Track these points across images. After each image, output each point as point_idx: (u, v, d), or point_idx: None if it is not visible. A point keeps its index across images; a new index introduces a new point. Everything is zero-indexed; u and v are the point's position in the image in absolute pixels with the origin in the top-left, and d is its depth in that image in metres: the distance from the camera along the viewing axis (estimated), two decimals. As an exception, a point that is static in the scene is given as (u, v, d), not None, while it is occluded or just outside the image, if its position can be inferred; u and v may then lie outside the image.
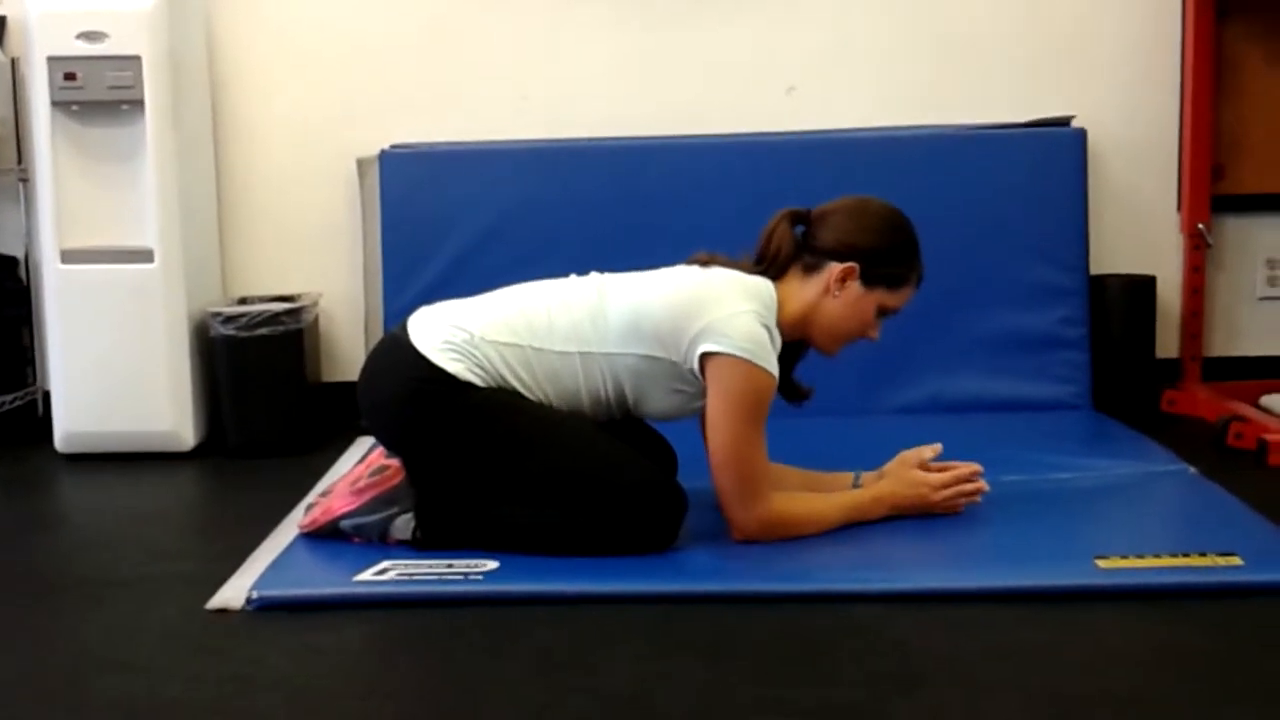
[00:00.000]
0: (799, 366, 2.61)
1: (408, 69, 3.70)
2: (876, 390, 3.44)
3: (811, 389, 2.61)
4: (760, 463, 2.41)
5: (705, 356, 2.36)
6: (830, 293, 2.46)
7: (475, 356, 2.41)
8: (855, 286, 2.46)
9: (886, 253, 2.48)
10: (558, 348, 2.43)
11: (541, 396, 2.44)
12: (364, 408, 2.56)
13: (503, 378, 2.42)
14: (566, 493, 2.39)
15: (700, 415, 2.44)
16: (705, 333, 2.36)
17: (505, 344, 2.42)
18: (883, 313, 2.51)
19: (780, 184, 3.47)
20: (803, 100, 3.68)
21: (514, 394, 2.42)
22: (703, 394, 2.41)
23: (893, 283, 2.48)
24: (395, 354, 2.47)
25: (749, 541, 2.41)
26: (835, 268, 2.46)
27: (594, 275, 2.55)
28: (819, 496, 2.53)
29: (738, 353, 2.34)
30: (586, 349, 2.43)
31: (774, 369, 2.37)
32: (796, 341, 2.54)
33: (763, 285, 2.45)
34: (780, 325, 2.44)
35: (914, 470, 2.55)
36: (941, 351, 3.50)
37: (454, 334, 2.43)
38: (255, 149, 3.73)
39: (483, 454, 2.41)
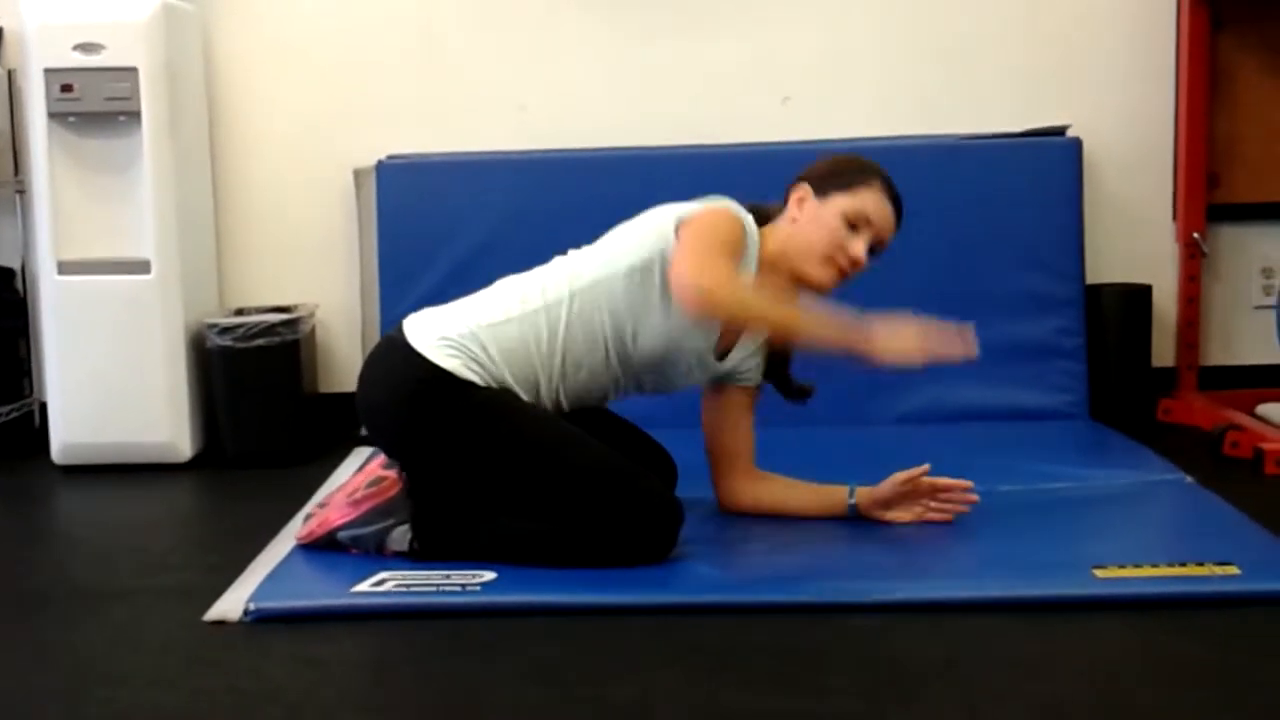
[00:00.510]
0: (795, 367, 2.62)
1: (404, 80, 3.70)
2: (873, 400, 3.44)
3: (813, 386, 2.62)
4: (724, 251, 2.39)
5: (680, 227, 2.42)
6: (795, 221, 2.52)
7: (471, 349, 2.41)
8: (811, 201, 2.51)
9: (830, 165, 2.56)
10: (550, 298, 2.45)
11: (545, 373, 2.44)
12: (362, 411, 2.56)
13: (500, 367, 2.42)
14: (563, 503, 2.39)
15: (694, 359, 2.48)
16: (681, 215, 2.44)
17: (499, 323, 2.44)
18: (854, 225, 2.48)
19: (777, 194, 3.47)
20: (799, 110, 3.69)
21: (514, 397, 2.42)
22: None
23: (844, 186, 2.51)
24: (391, 355, 2.47)
25: (692, 305, 2.33)
26: (792, 196, 2.54)
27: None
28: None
29: (708, 208, 2.44)
30: (577, 286, 2.46)
31: (748, 222, 2.45)
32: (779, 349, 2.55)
33: (746, 214, 2.53)
34: (763, 262, 2.50)
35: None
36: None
37: (449, 328, 2.44)
38: (252, 160, 3.73)
39: (480, 460, 2.40)
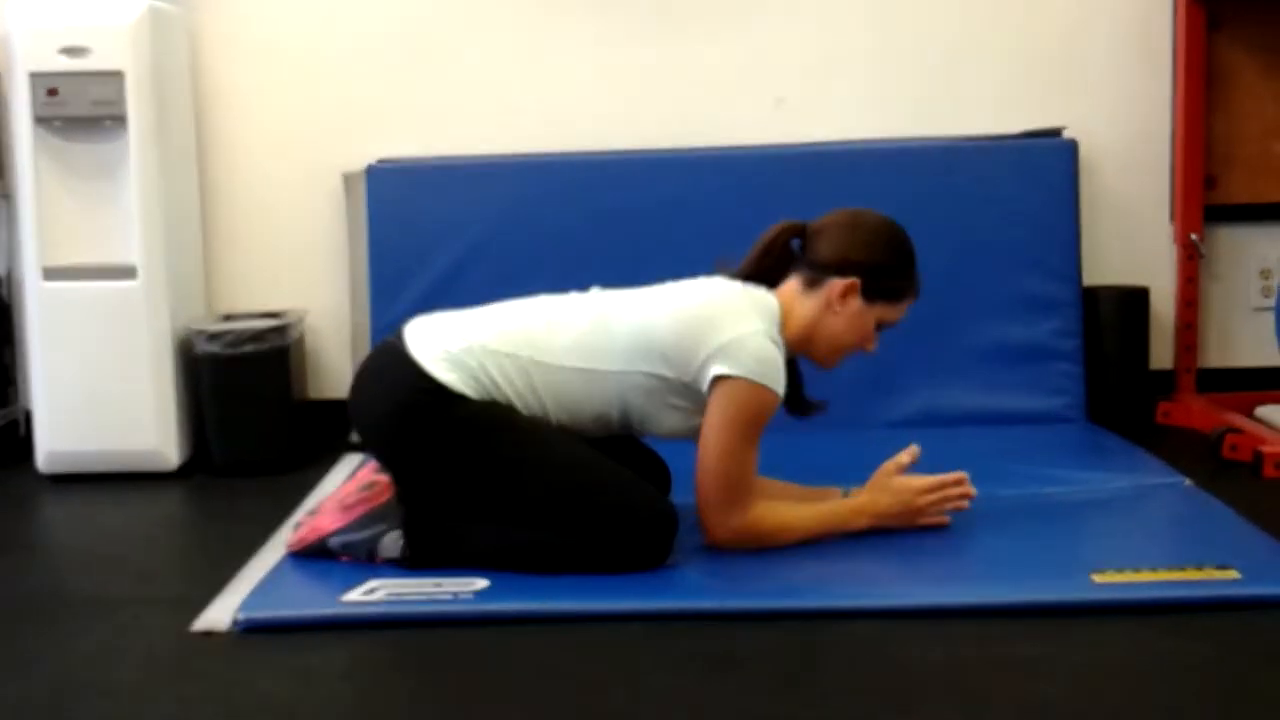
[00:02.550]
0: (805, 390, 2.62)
1: (394, 84, 3.68)
2: (869, 404, 3.42)
3: (824, 402, 2.62)
4: (748, 476, 2.40)
5: (716, 379, 2.36)
6: (832, 309, 2.47)
7: (471, 367, 2.39)
8: (856, 301, 2.47)
9: (887, 268, 2.49)
10: (560, 362, 2.41)
11: (539, 410, 2.42)
12: (355, 418, 2.54)
13: (499, 389, 2.40)
14: (557, 511, 2.37)
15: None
16: (717, 355, 2.36)
17: (505, 354, 2.41)
18: (880, 326, 2.52)
19: (770, 197, 3.47)
20: (792, 113, 3.67)
21: (507, 408, 2.40)
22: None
23: (893, 296, 2.50)
24: (389, 363, 2.46)
25: (719, 547, 2.41)
26: (837, 284, 2.46)
27: (595, 291, 2.54)
28: (798, 506, 2.52)
29: (750, 375, 2.35)
30: (592, 366, 2.42)
31: (781, 389, 2.38)
32: (792, 357, 2.54)
33: (769, 300, 2.47)
34: (783, 339, 2.45)
35: (895, 478, 2.53)
36: (934, 364, 3.49)
37: (452, 343, 2.42)
38: (240, 164, 3.71)
39: (473, 469, 2.39)
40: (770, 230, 2.54)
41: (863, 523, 2.50)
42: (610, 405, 2.44)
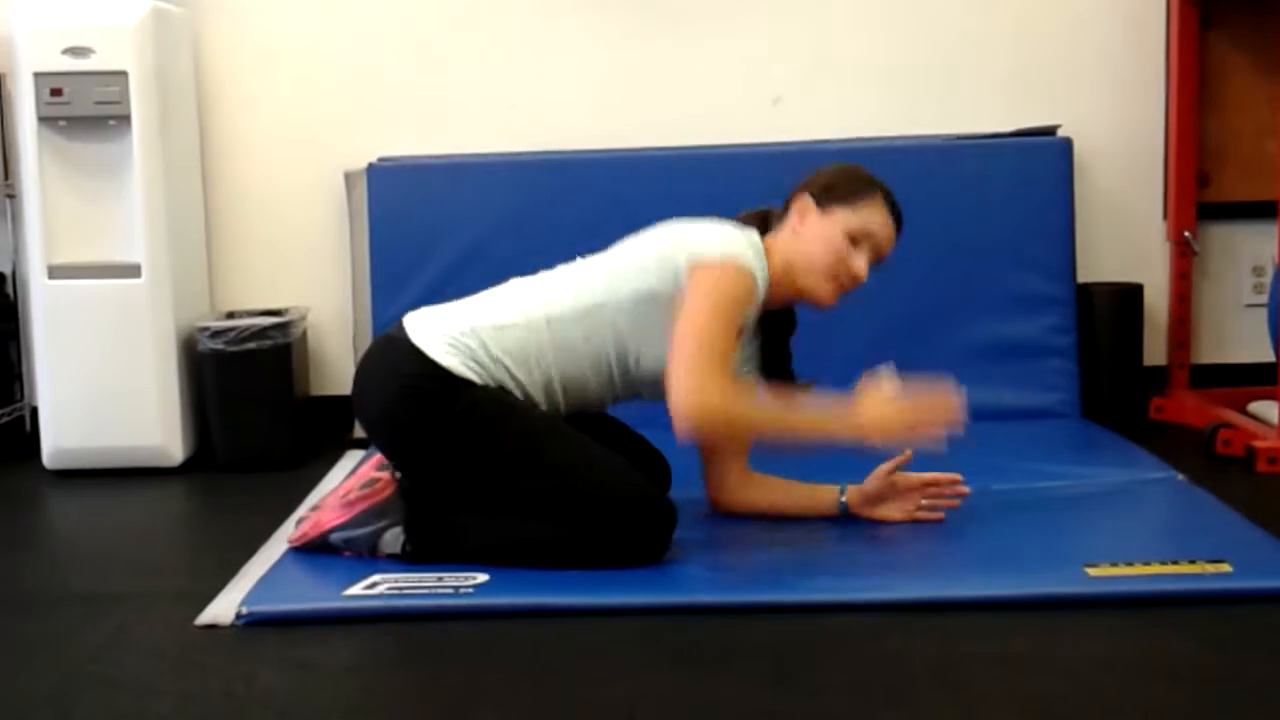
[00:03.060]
0: (794, 367, 2.63)
1: (395, 83, 3.70)
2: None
3: (813, 382, 2.61)
4: (724, 352, 2.37)
5: (693, 270, 2.40)
6: (796, 233, 2.51)
7: (472, 348, 2.41)
8: (813, 214, 2.51)
9: (833, 177, 2.55)
10: (553, 310, 2.46)
11: (541, 377, 2.45)
12: (358, 407, 2.56)
13: (501, 366, 2.42)
14: (556, 503, 2.38)
15: None
16: (695, 252, 2.42)
17: (502, 326, 2.44)
18: (856, 240, 2.49)
19: (767, 195, 3.44)
20: (789, 112, 3.68)
21: (510, 397, 2.42)
22: None
23: (846, 199, 2.50)
24: (390, 351, 2.48)
25: (686, 422, 2.32)
26: (793, 208, 2.53)
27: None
28: (780, 403, 2.50)
29: (722, 256, 2.40)
30: (583, 303, 2.46)
31: (758, 276, 2.42)
32: (784, 317, 2.58)
33: (751, 232, 2.53)
34: (770, 281, 2.48)
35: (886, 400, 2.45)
36: (929, 361, 3.43)
37: (450, 326, 2.45)
38: (243, 163, 3.72)
39: (474, 458, 2.40)
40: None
41: (846, 431, 2.39)
42: (605, 341, 2.45)
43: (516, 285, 2.55)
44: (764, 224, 2.58)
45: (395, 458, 2.50)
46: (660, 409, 2.65)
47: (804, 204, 2.52)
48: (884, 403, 2.40)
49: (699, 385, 2.32)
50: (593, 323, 2.45)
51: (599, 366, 2.48)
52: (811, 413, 2.45)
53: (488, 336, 2.43)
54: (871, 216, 2.50)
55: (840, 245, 2.49)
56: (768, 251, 2.51)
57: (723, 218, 2.56)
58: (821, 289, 2.51)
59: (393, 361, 2.46)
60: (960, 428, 2.43)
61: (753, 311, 2.49)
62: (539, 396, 2.47)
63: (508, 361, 2.43)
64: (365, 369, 2.54)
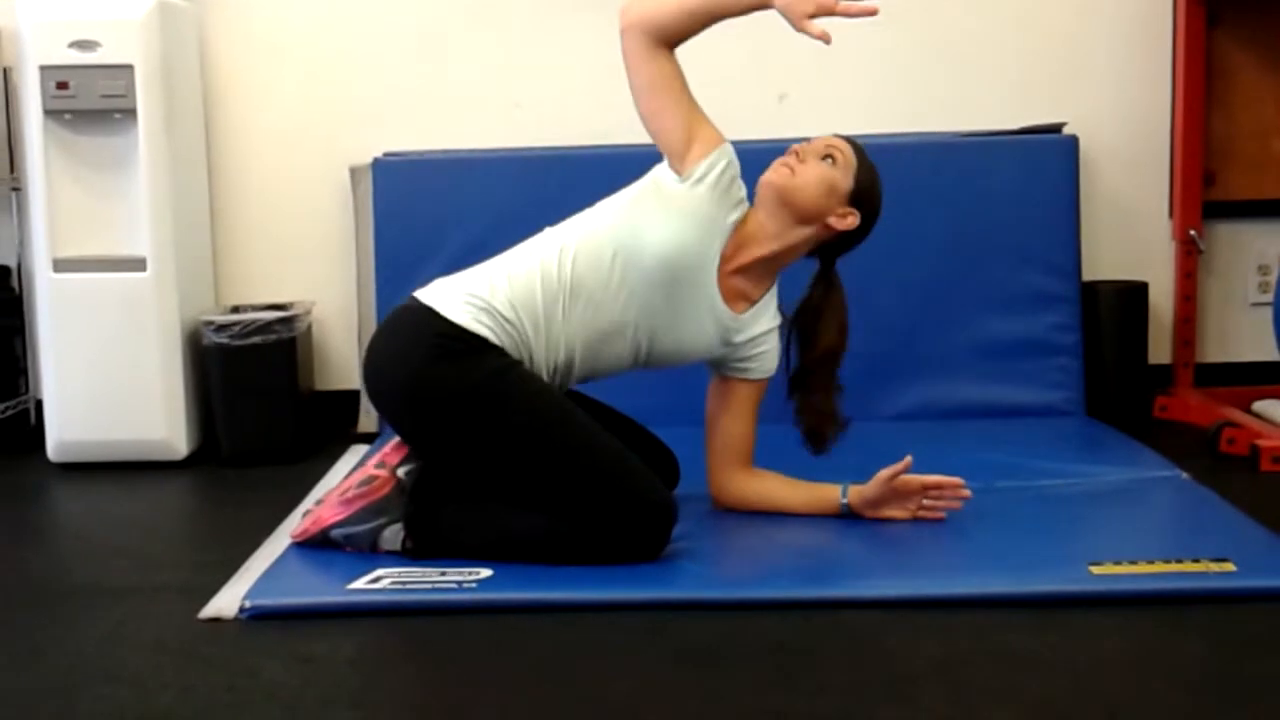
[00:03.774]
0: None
1: (400, 77, 3.70)
2: (869, 397, 3.42)
3: (847, 420, 2.66)
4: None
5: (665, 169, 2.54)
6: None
7: (481, 297, 2.44)
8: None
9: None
10: (559, 239, 2.53)
11: (554, 320, 2.46)
12: (371, 379, 2.57)
13: (509, 311, 2.44)
14: (558, 488, 2.38)
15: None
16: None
17: (509, 266, 2.51)
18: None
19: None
20: (795, 108, 3.68)
21: (524, 371, 2.43)
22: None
23: None
24: (404, 317, 2.51)
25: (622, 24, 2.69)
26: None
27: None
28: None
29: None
30: (583, 227, 2.55)
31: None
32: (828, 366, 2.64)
33: None
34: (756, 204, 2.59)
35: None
36: (934, 358, 3.50)
37: (459, 285, 2.50)
38: (248, 157, 3.73)
39: (482, 440, 2.40)
40: None
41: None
42: (609, 242, 2.50)
43: (521, 247, 2.59)
44: None
45: (406, 430, 2.50)
46: (667, 401, 2.69)
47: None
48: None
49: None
50: (591, 233, 2.53)
51: (600, 268, 2.49)
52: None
53: (498, 281, 2.47)
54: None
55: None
56: (745, 219, 2.59)
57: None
58: (773, 175, 2.59)
59: (408, 325, 2.48)
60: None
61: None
62: (553, 347, 2.47)
63: (518, 304, 2.45)
64: (381, 339, 2.55)
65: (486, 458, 2.41)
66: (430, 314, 2.44)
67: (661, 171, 2.56)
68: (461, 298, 2.45)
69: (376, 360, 2.53)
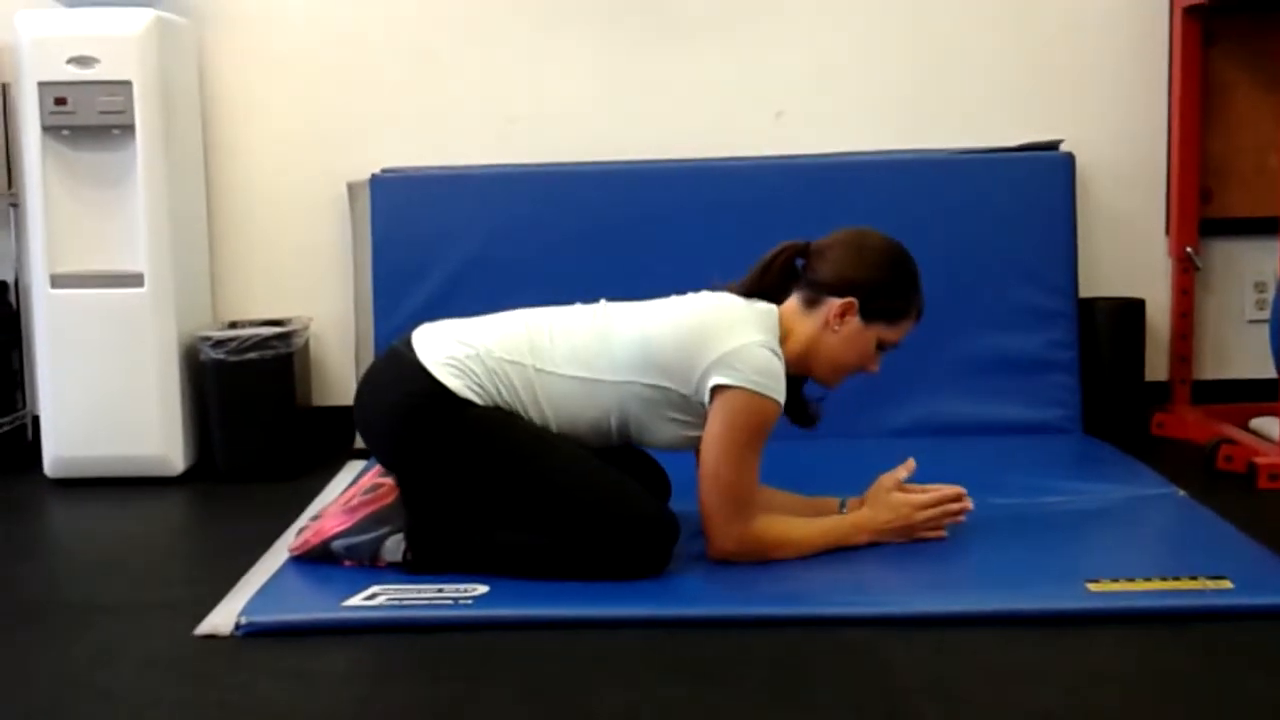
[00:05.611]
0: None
1: (398, 94, 3.70)
2: (866, 413, 3.44)
3: (819, 412, 2.62)
4: (749, 486, 2.41)
5: (716, 389, 2.37)
6: (830, 328, 2.46)
7: (476, 374, 2.41)
8: (854, 321, 2.46)
9: (885, 287, 2.48)
10: (561, 371, 2.43)
11: (540, 418, 2.44)
12: (361, 420, 2.56)
13: (502, 396, 2.42)
14: (557, 519, 2.39)
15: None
16: (718, 365, 2.37)
17: (509, 361, 2.43)
18: (882, 346, 2.51)
19: (769, 209, 3.49)
20: (792, 125, 3.69)
21: (511, 415, 2.42)
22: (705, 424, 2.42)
23: (891, 316, 2.48)
24: (396, 367, 2.48)
25: (724, 559, 2.42)
26: (835, 303, 2.46)
27: (601, 303, 2.56)
28: (800, 521, 2.53)
29: (750, 385, 2.35)
30: (592, 376, 2.43)
31: (782, 398, 2.38)
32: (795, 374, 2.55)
33: (769, 313, 2.48)
34: (785, 357, 2.44)
35: (893, 494, 2.55)
36: (931, 375, 3.50)
37: (458, 349, 2.44)
38: (246, 173, 3.73)
39: (476, 472, 2.41)
40: (773, 250, 2.54)
41: (862, 539, 2.51)
42: (608, 414, 2.45)
43: (526, 322, 2.51)
44: (783, 284, 2.52)
45: (397, 472, 2.50)
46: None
47: (849, 307, 2.46)
48: (897, 506, 2.53)
49: (730, 531, 2.41)
50: (597, 395, 2.44)
51: (597, 428, 2.47)
52: (829, 526, 2.52)
53: (493, 365, 2.43)
54: (905, 328, 2.52)
55: (869, 352, 2.50)
56: (787, 330, 2.48)
57: (729, 236, 2.52)
58: (834, 380, 2.55)
59: (398, 379, 2.46)
60: (964, 520, 2.57)
61: None
62: (537, 423, 2.46)
63: (508, 393, 2.43)
64: (370, 382, 2.55)
65: (482, 494, 2.42)
66: (423, 374, 2.41)
67: (698, 389, 2.40)
68: (456, 365, 2.42)
69: (368, 408, 2.53)
